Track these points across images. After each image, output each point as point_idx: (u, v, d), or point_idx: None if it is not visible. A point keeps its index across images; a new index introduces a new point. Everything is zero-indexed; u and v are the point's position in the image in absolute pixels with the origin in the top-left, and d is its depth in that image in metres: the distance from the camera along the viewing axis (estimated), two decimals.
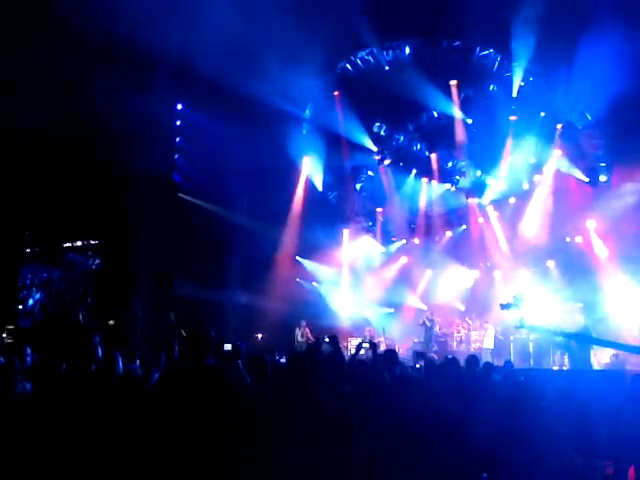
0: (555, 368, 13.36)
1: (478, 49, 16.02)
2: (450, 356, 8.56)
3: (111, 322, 13.66)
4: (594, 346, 12.77)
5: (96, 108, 13.37)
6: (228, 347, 12.52)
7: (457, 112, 17.33)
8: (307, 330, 16.07)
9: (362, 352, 8.80)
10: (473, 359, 6.82)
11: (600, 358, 13.12)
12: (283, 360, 7.98)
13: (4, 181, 14.07)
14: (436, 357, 13.31)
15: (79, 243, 17.36)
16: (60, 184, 14.97)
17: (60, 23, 11.84)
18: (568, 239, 16.93)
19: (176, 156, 16.85)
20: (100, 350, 4.07)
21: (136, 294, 15.81)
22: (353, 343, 15.79)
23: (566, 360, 13.51)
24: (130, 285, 15.90)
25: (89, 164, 14.51)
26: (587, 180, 16.52)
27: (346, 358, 6.03)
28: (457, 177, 18.69)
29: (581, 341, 12.29)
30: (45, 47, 12.55)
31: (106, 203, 16.10)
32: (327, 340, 6.10)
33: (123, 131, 13.96)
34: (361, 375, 5.20)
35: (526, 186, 17.68)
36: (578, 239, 16.71)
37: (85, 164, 14.64)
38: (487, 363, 7.64)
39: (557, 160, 16.79)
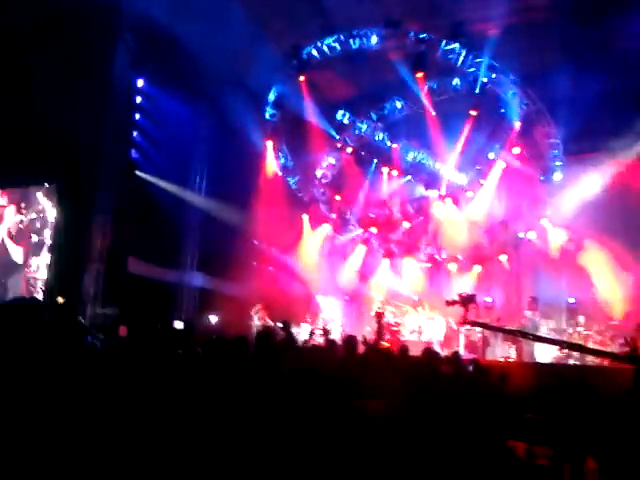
0: (501, 359, 13.73)
1: (444, 42, 16.08)
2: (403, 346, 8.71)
3: (60, 300, 13.30)
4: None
5: (52, 83, 13.02)
6: (180, 325, 12.39)
7: (421, 104, 17.46)
8: (263, 313, 16.06)
9: (315, 338, 8.82)
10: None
11: (545, 351, 13.54)
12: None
13: None
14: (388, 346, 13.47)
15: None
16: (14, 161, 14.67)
17: None
18: (522, 234, 17.33)
19: (135, 133, 16.45)
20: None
21: (88, 272, 15.43)
22: (306, 329, 15.86)
23: (513, 352, 13.96)
24: (82, 263, 15.51)
25: (42, 138, 14.12)
26: (542, 178, 16.92)
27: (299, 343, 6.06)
28: (417, 168, 18.88)
29: (522, 337, 12.82)
30: None
31: (60, 177, 15.72)
32: (280, 325, 6.12)
33: (80, 106, 13.55)
34: (315, 361, 5.22)
35: (483, 180, 17.99)
36: (531, 235, 17.10)
37: (38, 138, 14.25)
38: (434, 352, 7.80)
39: (514, 157, 17.10)
